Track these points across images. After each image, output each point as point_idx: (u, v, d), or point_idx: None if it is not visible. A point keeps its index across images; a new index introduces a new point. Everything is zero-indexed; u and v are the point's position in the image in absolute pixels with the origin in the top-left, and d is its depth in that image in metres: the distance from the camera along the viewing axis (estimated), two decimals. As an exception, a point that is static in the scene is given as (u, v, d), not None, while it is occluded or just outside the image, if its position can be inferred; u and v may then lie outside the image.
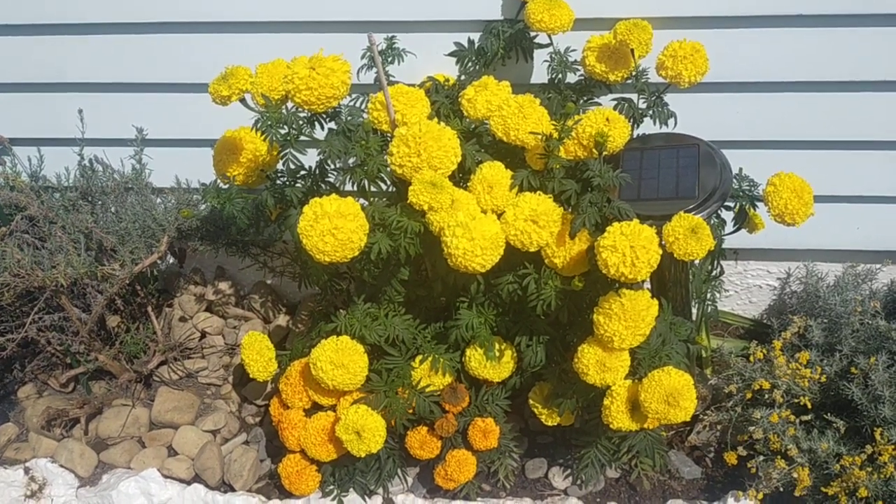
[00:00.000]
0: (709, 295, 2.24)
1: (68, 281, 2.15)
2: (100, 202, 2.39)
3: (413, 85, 1.96)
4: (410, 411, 1.96)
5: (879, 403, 1.92)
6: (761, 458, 2.01)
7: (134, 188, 2.38)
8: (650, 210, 1.76)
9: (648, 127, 2.01)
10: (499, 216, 1.76)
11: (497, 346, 1.95)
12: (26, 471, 2.25)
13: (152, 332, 2.47)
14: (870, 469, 1.87)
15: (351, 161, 1.87)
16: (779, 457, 1.96)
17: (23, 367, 2.50)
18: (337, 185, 2.00)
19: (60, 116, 2.37)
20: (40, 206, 2.28)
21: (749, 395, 2.06)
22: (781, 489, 1.98)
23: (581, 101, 2.06)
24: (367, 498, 2.12)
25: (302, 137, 1.83)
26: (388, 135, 1.87)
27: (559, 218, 1.75)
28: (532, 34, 2.08)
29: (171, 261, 2.61)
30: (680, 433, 2.23)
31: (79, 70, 2.33)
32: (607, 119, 1.80)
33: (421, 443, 2.02)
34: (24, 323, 2.24)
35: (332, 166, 1.96)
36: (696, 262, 2.12)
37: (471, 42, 2.11)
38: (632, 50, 1.91)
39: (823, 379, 2.04)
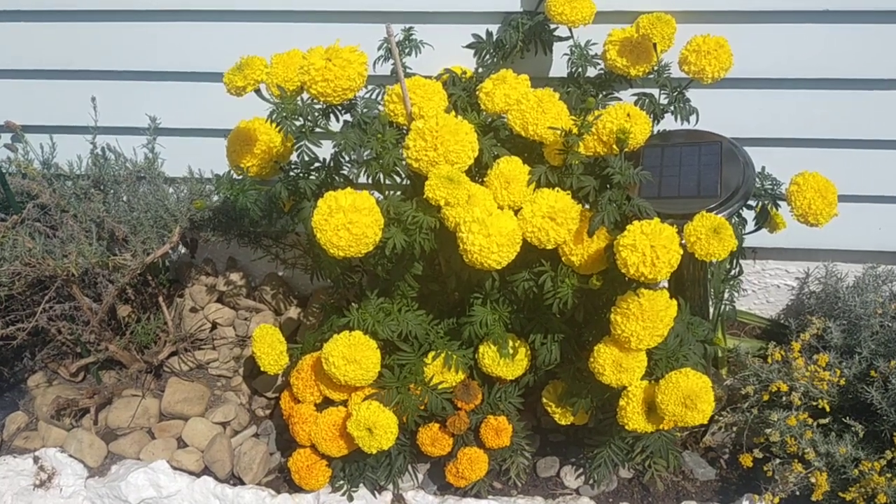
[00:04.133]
0: (726, 294, 2.20)
1: (80, 270, 2.14)
2: (112, 191, 2.38)
3: (430, 77, 1.93)
4: (422, 408, 1.94)
5: (900, 408, 1.89)
6: (777, 461, 1.98)
7: (146, 177, 2.37)
8: (671, 208, 1.73)
9: (669, 123, 1.97)
10: (516, 212, 1.73)
11: (511, 343, 1.92)
12: (35, 460, 2.25)
13: (163, 322, 2.46)
14: (889, 475, 1.84)
15: (366, 154, 1.84)
16: (795, 460, 1.93)
17: (33, 356, 2.49)
18: (351, 177, 1.98)
19: (73, 104, 2.36)
20: (52, 194, 2.27)
21: (766, 397, 2.04)
22: (798, 493, 1.96)
23: (601, 96, 2.03)
24: (377, 494, 2.11)
25: (317, 129, 1.80)
26: (405, 128, 1.85)
27: (577, 215, 1.72)
28: (552, 27, 2.04)
29: (182, 251, 2.60)
30: (694, 434, 2.20)
31: (91, 57, 2.31)
32: (628, 114, 1.77)
33: (432, 440, 2.00)
34: (34, 312, 2.23)
35: (347, 159, 1.94)
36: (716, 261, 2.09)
37: (489, 34, 2.08)
38: (654, 44, 1.87)
39: (842, 382, 2.01)
